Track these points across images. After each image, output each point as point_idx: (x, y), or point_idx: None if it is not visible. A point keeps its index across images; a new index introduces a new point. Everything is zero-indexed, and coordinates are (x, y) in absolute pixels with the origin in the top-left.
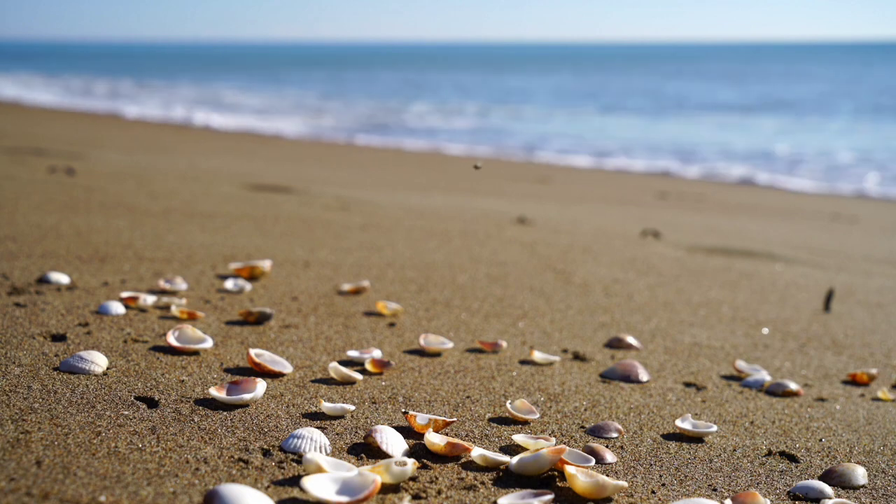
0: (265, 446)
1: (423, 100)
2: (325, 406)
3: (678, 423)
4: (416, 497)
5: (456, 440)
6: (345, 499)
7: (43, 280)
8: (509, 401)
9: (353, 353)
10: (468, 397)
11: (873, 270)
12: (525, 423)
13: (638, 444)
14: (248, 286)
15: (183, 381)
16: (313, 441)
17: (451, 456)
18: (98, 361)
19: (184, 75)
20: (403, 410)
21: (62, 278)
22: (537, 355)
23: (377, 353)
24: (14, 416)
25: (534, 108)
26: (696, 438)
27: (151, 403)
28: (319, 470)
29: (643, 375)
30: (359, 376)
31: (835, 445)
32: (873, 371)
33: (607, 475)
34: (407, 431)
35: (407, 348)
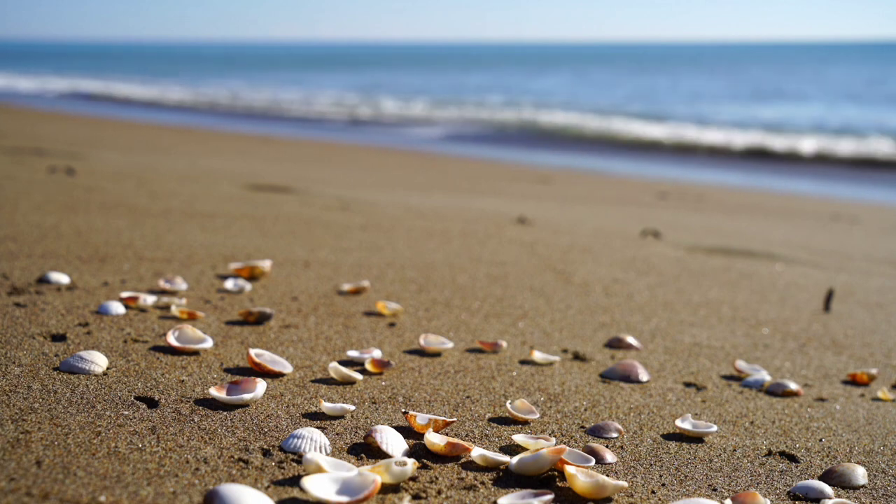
0: (265, 446)
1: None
2: (325, 406)
3: (678, 423)
4: (416, 497)
5: (456, 440)
6: (345, 499)
7: (43, 280)
8: (509, 401)
9: (353, 353)
10: (468, 397)
11: (873, 270)
12: (525, 423)
13: (638, 444)
14: (248, 286)
15: (183, 381)
16: (313, 441)
17: (451, 456)
18: (98, 361)
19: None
20: (403, 410)
21: (62, 278)
22: (537, 355)
23: (377, 353)
24: (14, 416)
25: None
26: (696, 438)
27: (151, 403)
28: (319, 470)
29: (643, 375)
30: (359, 376)
31: (835, 445)
32: (873, 371)
33: (607, 475)
34: (407, 431)
35: (407, 348)
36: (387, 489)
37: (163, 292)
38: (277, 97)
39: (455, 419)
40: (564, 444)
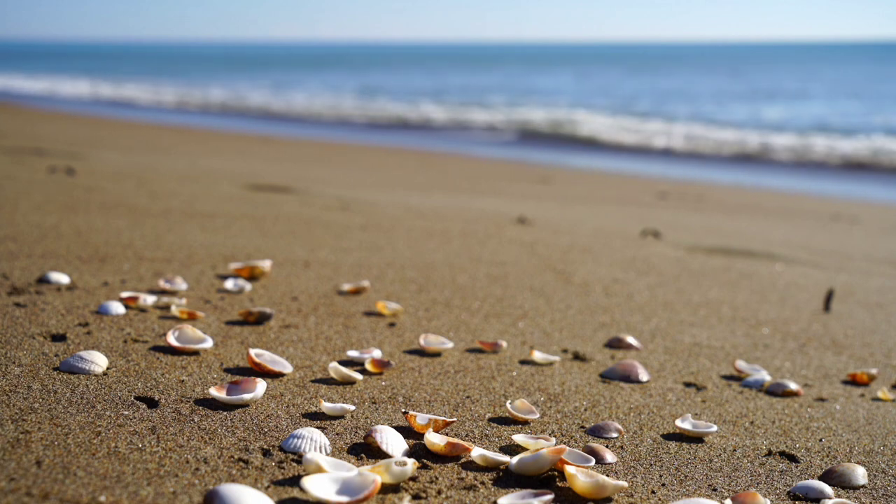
0: (265, 446)
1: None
2: (325, 406)
3: (678, 423)
4: (416, 497)
5: (456, 440)
6: (345, 499)
7: (43, 280)
8: (509, 401)
9: (353, 353)
10: (468, 397)
11: (873, 270)
12: (525, 423)
13: (638, 444)
14: (248, 286)
15: (183, 381)
16: (313, 441)
17: (451, 456)
18: (98, 361)
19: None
20: (403, 410)
21: (62, 278)
22: (537, 355)
23: (377, 353)
24: (14, 416)
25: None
26: (696, 438)
27: (151, 403)
28: (319, 470)
29: (643, 375)
30: (359, 376)
31: (835, 445)
32: (873, 371)
33: (607, 475)
34: (407, 431)
35: (407, 348)
36: (387, 489)
37: (163, 292)
38: (337, 102)
39: (455, 419)
40: (564, 444)
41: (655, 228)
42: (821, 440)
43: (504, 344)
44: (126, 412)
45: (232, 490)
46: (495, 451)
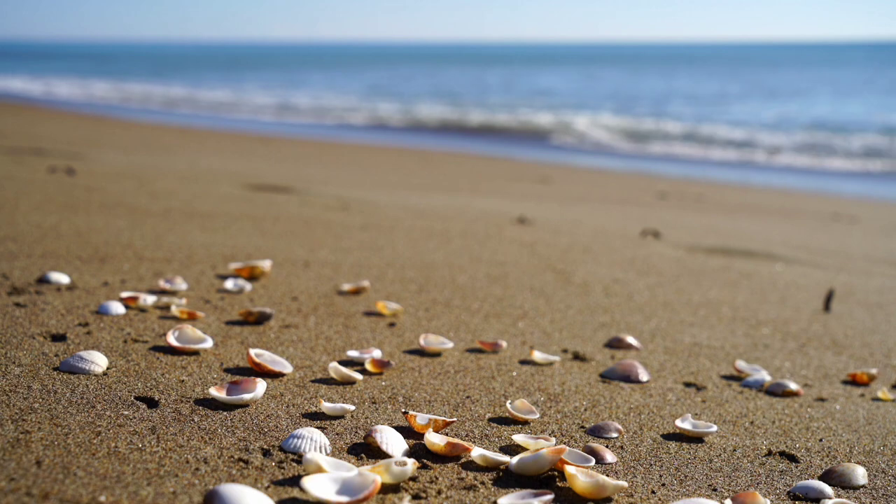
0: (265, 446)
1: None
2: (325, 406)
3: (678, 423)
4: (416, 497)
5: (456, 440)
6: (345, 499)
7: (43, 280)
8: (509, 401)
9: (353, 353)
10: (468, 397)
11: (873, 270)
12: (525, 423)
13: (638, 444)
14: (248, 286)
15: (183, 381)
16: (313, 441)
17: (451, 456)
18: (98, 361)
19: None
20: (403, 410)
21: (62, 278)
22: (537, 355)
23: (377, 353)
24: (14, 416)
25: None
26: (696, 438)
27: (151, 403)
28: (319, 470)
29: (643, 375)
30: (359, 376)
31: (835, 445)
32: (873, 371)
33: (607, 475)
34: (407, 431)
35: (407, 348)
36: (387, 489)
37: (163, 292)
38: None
39: (455, 419)
40: (564, 444)
41: (655, 228)
42: (821, 440)
43: (504, 344)
44: (126, 412)
45: (232, 490)
46: (495, 451)
